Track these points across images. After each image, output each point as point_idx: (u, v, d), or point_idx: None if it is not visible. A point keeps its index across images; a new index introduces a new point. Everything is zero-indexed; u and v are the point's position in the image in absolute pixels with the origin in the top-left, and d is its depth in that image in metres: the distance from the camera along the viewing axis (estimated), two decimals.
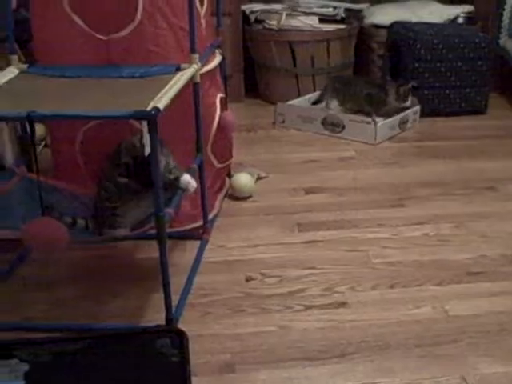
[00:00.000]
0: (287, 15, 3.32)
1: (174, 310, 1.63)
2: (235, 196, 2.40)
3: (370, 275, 1.90)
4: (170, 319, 1.60)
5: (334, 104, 3.09)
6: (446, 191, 2.43)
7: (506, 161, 2.70)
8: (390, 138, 2.96)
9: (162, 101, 1.49)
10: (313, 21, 3.32)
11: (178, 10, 1.89)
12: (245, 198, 2.39)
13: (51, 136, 2.18)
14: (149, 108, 1.44)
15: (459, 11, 3.52)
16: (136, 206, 1.74)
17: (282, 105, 3.16)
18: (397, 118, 2.99)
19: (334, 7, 3.40)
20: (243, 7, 3.41)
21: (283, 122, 3.14)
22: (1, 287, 1.85)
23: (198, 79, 1.86)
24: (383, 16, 3.46)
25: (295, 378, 1.50)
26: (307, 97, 3.27)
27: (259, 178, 2.53)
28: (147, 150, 1.45)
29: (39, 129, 2.42)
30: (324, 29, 3.32)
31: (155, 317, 1.66)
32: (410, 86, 3.02)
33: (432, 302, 1.77)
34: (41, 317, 1.72)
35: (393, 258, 1.99)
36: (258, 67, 3.52)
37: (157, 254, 1.54)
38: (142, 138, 1.56)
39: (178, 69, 1.79)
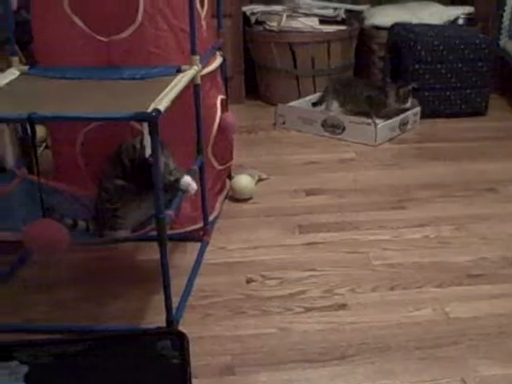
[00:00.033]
0: (288, 16, 3.32)
1: (174, 311, 1.63)
2: (236, 198, 2.40)
3: (370, 277, 1.90)
4: (171, 321, 1.60)
5: (335, 105, 3.09)
6: (447, 193, 2.43)
7: (506, 162, 2.70)
8: (391, 140, 2.96)
9: (162, 102, 1.49)
10: (313, 22, 3.32)
11: (178, 11, 1.89)
12: (245, 200, 2.40)
13: (52, 137, 2.18)
14: (149, 110, 1.44)
15: (459, 12, 3.52)
16: (137, 207, 1.74)
17: (282, 106, 3.16)
18: (397, 119, 3.00)
19: (335, 8, 3.41)
20: (244, 9, 3.42)
21: (284, 123, 3.14)
22: (1, 289, 1.85)
23: (198, 81, 1.87)
24: (384, 17, 3.46)
25: (295, 380, 1.50)
26: (307, 98, 3.28)
27: (260, 180, 2.53)
28: (148, 152, 1.45)
29: (40, 130, 2.42)
30: (324, 30, 3.32)
31: (156, 319, 1.66)
32: (409, 87, 3.02)
33: (432, 304, 1.77)
34: (41, 318, 1.72)
35: (393, 259, 1.99)
36: (259, 69, 3.53)
37: (157, 256, 1.54)
38: (142, 139, 1.57)
39: (179, 70, 1.79)
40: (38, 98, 1.65)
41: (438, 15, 3.49)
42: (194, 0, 1.83)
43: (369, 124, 2.90)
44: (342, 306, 1.76)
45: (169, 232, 1.57)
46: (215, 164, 2.24)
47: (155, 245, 1.54)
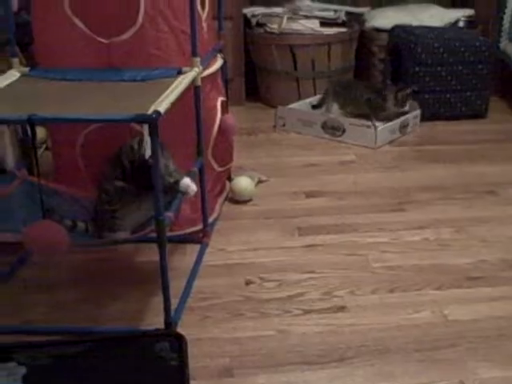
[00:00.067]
0: (288, 19, 3.33)
1: (173, 313, 1.63)
2: (235, 199, 2.40)
3: (369, 279, 1.90)
4: (169, 323, 1.60)
5: (335, 108, 3.09)
6: (447, 195, 2.43)
7: (506, 165, 2.70)
8: (391, 142, 2.97)
9: (162, 104, 1.50)
10: (314, 24, 3.32)
11: (179, 13, 1.89)
12: (245, 202, 2.40)
13: (52, 139, 2.18)
14: (150, 111, 1.44)
15: (460, 15, 3.52)
16: (136, 209, 1.75)
17: (282, 108, 3.16)
18: (397, 121, 3.00)
19: (335, 11, 3.41)
20: (245, 11, 3.42)
21: (284, 125, 3.14)
22: (1, 289, 1.86)
23: (199, 83, 1.87)
24: (384, 19, 3.46)
25: (294, 383, 1.50)
26: (308, 100, 3.28)
27: (259, 182, 2.54)
28: (148, 154, 1.45)
29: (40, 132, 2.42)
30: (325, 32, 3.32)
31: (154, 320, 1.66)
32: (408, 91, 3.03)
33: (431, 306, 1.77)
34: (41, 319, 1.72)
35: (392, 262, 1.99)
36: (259, 71, 3.53)
37: (157, 258, 1.54)
38: (140, 140, 1.57)
39: (180, 72, 1.79)
40: (39, 100, 1.65)
41: (439, 17, 3.49)
42: (194, 2, 1.83)
43: (369, 126, 2.90)
44: (341, 308, 1.76)
45: (168, 234, 1.57)
46: (215, 166, 2.24)
47: (155, 246, 1.54)
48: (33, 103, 1.62)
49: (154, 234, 1.56)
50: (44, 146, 2.54)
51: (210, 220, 2.16)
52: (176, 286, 1.74)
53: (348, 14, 3.45)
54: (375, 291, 1.84)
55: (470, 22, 3.53)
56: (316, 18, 3.34)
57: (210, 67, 2.09)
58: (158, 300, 1.62)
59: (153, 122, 1.42)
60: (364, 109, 3.05)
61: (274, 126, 3.16)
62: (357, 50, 3.53)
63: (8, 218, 1.73)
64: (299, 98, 3.34)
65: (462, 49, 3.13)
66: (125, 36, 1.88)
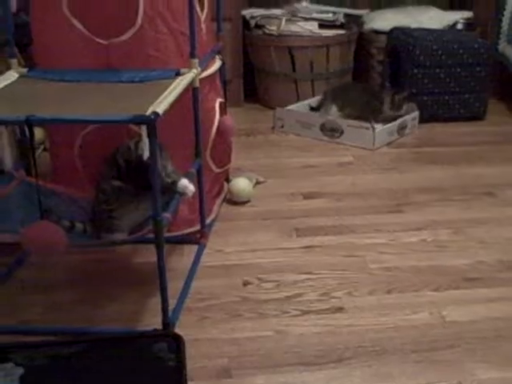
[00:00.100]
0: (287, 20, 3.33)
1: (170, 314, 1.63)
2: (233, 201, 2.40)
3: (367, 280, 1.90)
4: (167, 323, 1.60)
5: (333, 110, 3.10)
6: (444, 197, 2.44)
7: (504, 166, 2.71)
8: (389, 144, 2.97)
9: (161, 105, 1.50)
10: (312, 26, 3.33)
11: (178, 14, 1.89)
12: (243, 203, 2.40)
13: (50, 140, 2.18)
14: (148, 112, 1.44)
15: (458, 17, 3.53)
16: (134, 209, 1.75)
17: (281, 110, 3.16)
18: (395, 123, 3.00)
19: (334, 13, 3.41)
20: (243, 12, 3.43)
21: (282, 126, 3.14)
22: None
23: (197, 84, 1.87)
24: (383, 21, 3.47)
25: (292, 383, 1.50)
26: (306, 102, 3.28)
27: (257, 183, 2.54)
28: (146, 155, 1.45)
29: (38, 133, 2.42)
30: (323, 34, 3.33)
31: (152, 321, 1.66)
32: (405, 94, 3.03)
33: (429, 307, 1.77)
34: (37, 320, 1.72)
35: (390, 263, 1.99)
36: (258, 72, 3.53)
37: (154, 259, 1.54)
38: (137, 141, 1.57)
39: (178, 73, 1.79)
40: (37, 101, 1.65)
41: (437, 20, 3.50)
42: (193, 3, 1.84)
43: (367, 128, 2.91)
44: (339, 309, 1.77)
45: (166, 234, 1.58)
46: (213, 167, 2.24)
47: (152, 247, 1.54)
48: (31, 104, 1.62)
49: (151, 235, 1.56)
50: (42, 146, 2.54)
51: (208, 221, 2.16)
52: (174, 287, 1.74)
53: (347, 15, 3.45)
54: (373, 292, 1.84)
55: (469, 25, 3.54)
56: (315, 19, 3.35)
57: (209, 68, 2.09)
58: (156, 301, 1.62)
59: (151, 123, 1.42)
60: (362, 111, 3.05)
61: (273, 128, 3.17)
62: (355, 52, 3.53)
63: (6, 219, 1.73)
64: (297, 100, 3.34)
65: (461, 51, 3.14)
66: (123, 37, 1.88)
